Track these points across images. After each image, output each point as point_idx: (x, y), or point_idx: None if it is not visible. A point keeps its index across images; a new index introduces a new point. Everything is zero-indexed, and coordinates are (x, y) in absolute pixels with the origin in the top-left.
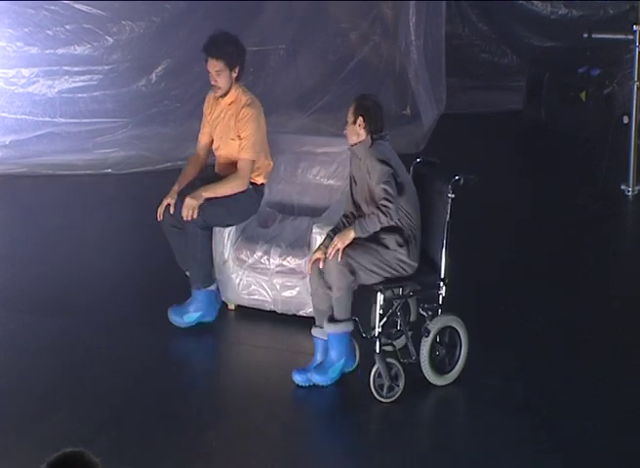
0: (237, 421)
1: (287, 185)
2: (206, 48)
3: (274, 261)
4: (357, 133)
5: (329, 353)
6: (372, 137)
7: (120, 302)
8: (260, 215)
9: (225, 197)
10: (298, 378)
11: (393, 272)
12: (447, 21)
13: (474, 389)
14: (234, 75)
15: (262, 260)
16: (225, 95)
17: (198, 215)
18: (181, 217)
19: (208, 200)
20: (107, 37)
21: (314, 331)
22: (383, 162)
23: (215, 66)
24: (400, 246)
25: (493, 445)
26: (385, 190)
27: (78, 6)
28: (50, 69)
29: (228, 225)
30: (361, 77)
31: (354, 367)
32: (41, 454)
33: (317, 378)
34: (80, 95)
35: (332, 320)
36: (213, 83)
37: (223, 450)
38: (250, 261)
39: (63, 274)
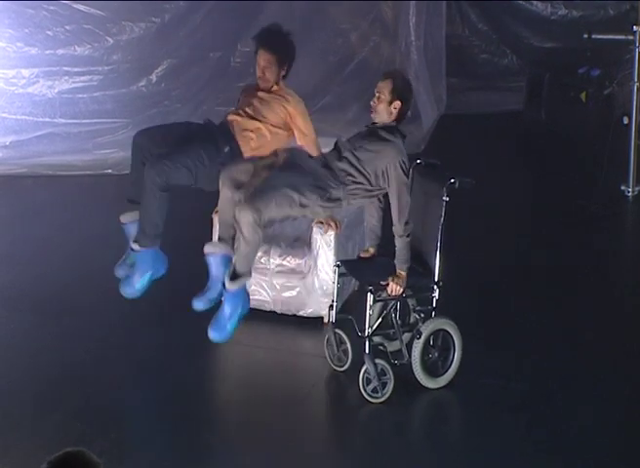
0: (237, 422)
1: None
2: (260, 38)
3: (274, 261)
4: (390, 112)
5: (223, 308)
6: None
7: (120, 302)
8: None
9: (195, 160)
10: (198, 305)
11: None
12: (447, 22)
13: (474, 389)
14: (282, 73)
15: (262, 260)
16: (270, 88)
17: (162, 177)
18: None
19: (177, 160)
20: (107, 38)
21: (209, 248)
22: (405, 172)
23: (265, 58)
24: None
25: (492, 445)
26: (402, 203)
27: (78, 6)
28: (50, 70)
29: (191, 187)
30: (361, 77)
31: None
32: (41, 454)
33: (215, 336)
34: (80, 95)
35: (233, 277)
36: (260, 75)
37: (223, 450)
38: None
39: (64, 274)
